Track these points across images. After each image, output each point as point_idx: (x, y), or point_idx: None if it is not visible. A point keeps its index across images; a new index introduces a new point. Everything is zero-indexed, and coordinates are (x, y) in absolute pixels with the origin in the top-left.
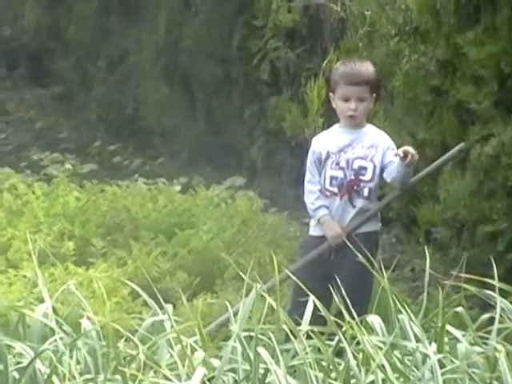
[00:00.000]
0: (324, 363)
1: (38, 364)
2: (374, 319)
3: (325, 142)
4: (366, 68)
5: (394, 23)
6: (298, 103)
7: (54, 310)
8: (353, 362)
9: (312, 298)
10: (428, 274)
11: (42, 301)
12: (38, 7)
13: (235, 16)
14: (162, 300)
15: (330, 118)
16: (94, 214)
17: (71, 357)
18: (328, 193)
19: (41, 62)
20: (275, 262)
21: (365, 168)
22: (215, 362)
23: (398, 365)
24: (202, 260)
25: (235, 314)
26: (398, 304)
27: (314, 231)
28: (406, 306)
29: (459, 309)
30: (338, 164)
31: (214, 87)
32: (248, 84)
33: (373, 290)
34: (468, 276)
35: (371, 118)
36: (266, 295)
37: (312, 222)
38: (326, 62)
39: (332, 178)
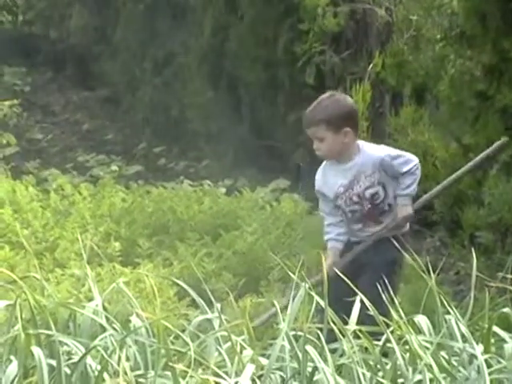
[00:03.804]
0: (371, 363)
1: (89, 360)
2: (421, 319)
3: (328, 184)
4: (321, 107)
5: (439, 28)
6: None
7: (104, 308)
8: (401, 361)
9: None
10: (474, 277)
11: (89, 299)
12: (85, 10)
13: (281, 19)
14: (212, 298)
15: (374, 121)
16: (139, 215)
17: (121, 353)
18: (353, 222)
19: (87, 64)
20: (324, 262)
21: (376, 193)
22: (263, 361)
23: (445, 365)
24: (247, 261)
25: (281, 312)
26: (447, 304)
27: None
28: (453, 308)
29: (506, 309)
30: (351, 199)
31: (259, 90)
32: (293, 87)
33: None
34: None
35: (409, 125)
36: (313, 294)
37: None
38: (371, 65)
39: (352, 212)
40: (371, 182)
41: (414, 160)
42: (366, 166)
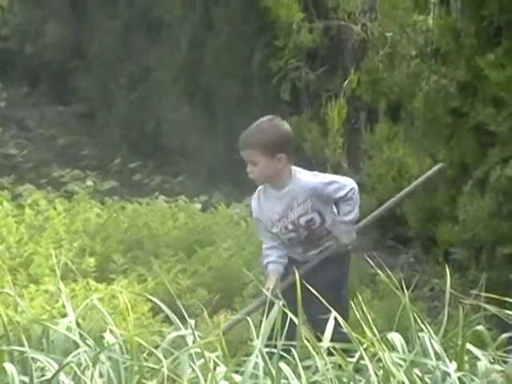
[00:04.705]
0: (345, 380)
1: (62, 377)
2: (394, 337)
3: (264, 211)
4: (259, 131)
5: (414, 44)
6: (318, 123)
7: (78, 324)
8: (374, 379)
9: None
10: (448, 294)
11: (63, 315)
12: (60, 25)
13: (256, 36)
14: (186, 315)
15: (350, 138)
16: (114, 230)
17: (94, 370)
18: (291, 248)
19: (63, 79)
20: (297, 279)
21: (311, 219)
22: (237, 378)
23: (419, 382)
24: (222, 277)
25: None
26: (420, 321)
27: None
28: (427, 325)
29: (479, 327)
30: (286, 228)
31: (234, 106)
32: (268, 103)
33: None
34: (488, 295)
35: (383, 140)
36: (287, 311)
37: None
38: (346, 82)
39: (289, 239)
40: (304, 210)
41: (349, 184)
42: (298, 193)
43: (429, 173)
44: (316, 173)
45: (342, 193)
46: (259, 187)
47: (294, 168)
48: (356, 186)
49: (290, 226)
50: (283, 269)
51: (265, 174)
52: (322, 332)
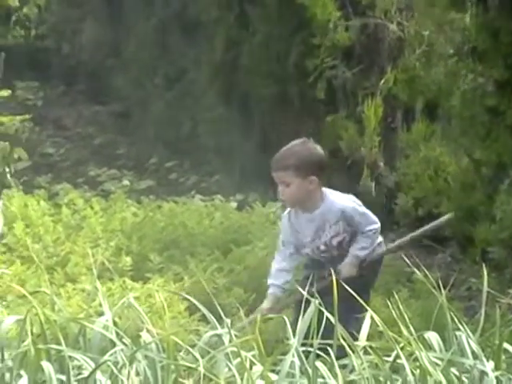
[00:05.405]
0: (381, 379)
1: (99, 375)
2: (431, 336)
3: (294, 234)
4: (291, 152)
5: (451, 43)
6: (354, 122)
7: (114, 323)
8: (411, 378)
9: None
10: (485, 293)
11: (100, 314)
12: (97, 24)
13: (292, 35)
14: (222, 313)
15: (386, 137)
16: (151, 229)
17: (131, 368)
18: (323, 268)
19: (99, 78)
20: (333, 276)
21: (343, 240)
22: (273, 377)
23: (456, 382)
24: (258, 276)
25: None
26: (457, 320)
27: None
28: (464, 324)
29: None
30: (318, 249)
31: (270, 105)
32: (304, 102)
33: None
34: None
35: (422, 138)
36: (323, 310)
37: None
38: (383, 81)
39: (320, 258)
40: (336, 231)
41: (377, 223)
42: (330, 214)
43: (438, 221)
44: (352, 197)
45: (366, 228)
46: (287, 210)
47: (326, 189)
48: (379, 227)
49: (323, 247)
50: (283, 292)
51: (296, 195)
52: None
